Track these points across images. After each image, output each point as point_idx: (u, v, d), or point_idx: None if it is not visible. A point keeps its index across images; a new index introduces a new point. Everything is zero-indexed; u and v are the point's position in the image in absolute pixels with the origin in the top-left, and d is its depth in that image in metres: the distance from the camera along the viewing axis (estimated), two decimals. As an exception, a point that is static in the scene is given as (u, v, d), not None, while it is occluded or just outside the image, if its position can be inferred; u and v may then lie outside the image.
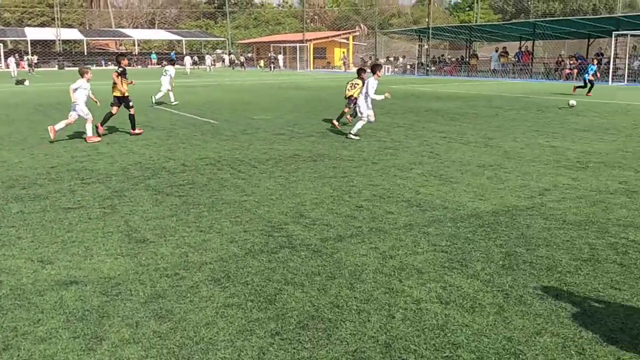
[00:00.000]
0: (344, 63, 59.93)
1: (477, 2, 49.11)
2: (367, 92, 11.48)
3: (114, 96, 12.09)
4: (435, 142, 11.07)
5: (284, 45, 62.05)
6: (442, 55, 52.01)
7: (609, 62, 33.50)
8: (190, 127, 13.60)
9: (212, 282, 4.40)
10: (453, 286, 4.29)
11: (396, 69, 49.54)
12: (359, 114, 11.86)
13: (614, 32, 32.11)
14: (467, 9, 72.82)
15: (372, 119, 11.78)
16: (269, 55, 57.64)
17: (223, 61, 70.31)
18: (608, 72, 32.07)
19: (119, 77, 11.91)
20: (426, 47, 46.76)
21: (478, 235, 5.47)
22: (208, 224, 5.89)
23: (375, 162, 9.17)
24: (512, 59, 42.50)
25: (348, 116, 13.79)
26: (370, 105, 11.62)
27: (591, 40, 43.25)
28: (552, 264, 4.74)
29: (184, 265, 4.76)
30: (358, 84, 13.31)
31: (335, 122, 13.38)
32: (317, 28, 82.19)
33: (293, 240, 5.36)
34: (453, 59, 49.14)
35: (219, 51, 78.57)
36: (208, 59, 60.36)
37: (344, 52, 63.84)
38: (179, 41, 78.57)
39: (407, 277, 4.46)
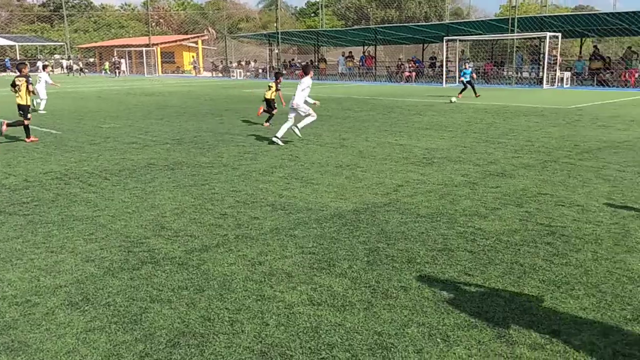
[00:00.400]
0: (194, 67, 58.69)
1: (321, 8, 50.71)
2: (303, 90, 11.39)
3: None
4: (293, 145, 11.23)
5: (129, 49, 59.26)
6: (292, 59, 53.03)
7: (441, 65, 36.42)
8: (28, 139, 12.42)
9: (69, 306, 4.05)
10: (323, 287, 4.36)
11: (248, 73, 49.60)
12: (301, 113, 11.38)
13: (444, 38, 34.99)
14: (313, 14, 75.03)
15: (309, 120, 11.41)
16: (113, 60, 54.65)
17: (61, 67, 65.26)
18: (442, 75, 34.83)
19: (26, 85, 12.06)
20: (276, 51, 47.37)
21: (342, 234, 5.62)
22: (59, 243, 5.41)
23: (236, 167, 9.07)
24: (357, 62, 44.53)
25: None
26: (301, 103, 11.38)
27: (425, 45, 46.72)
28: (411, 256, 5.01)
29: (36, 290, 4.33)
30: (272, 87, 14.54)
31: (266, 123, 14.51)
32: (163, 32, 79.62)
33: (155, 254, 5.11)
34: (303, 63, 50.32)
35: (57, 56, 72.93)
36: (40, 64, 55.26)
37: (193, 57, 62.53)
38: (11, 46, 71.57)
39: (278, 282, 4.45)
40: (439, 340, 3.54)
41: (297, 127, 11.33)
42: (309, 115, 11.36)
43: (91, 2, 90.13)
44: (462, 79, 23.37)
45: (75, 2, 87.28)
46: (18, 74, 12.37)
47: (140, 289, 4.35)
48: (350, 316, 3.87)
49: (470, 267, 4.74)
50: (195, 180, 8.15)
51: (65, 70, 59.89)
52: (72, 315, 3.92)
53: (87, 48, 72.51)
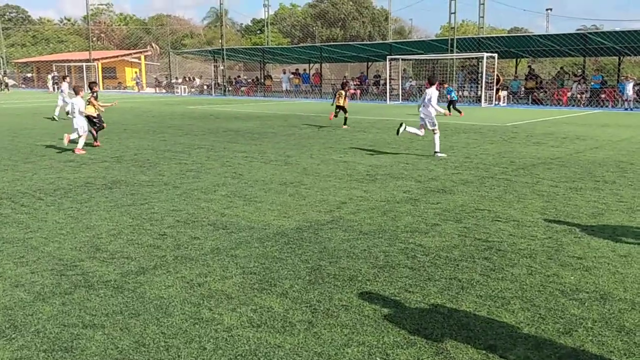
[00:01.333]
0: (137, 83, 57.57)
1: (267, 26, 50.88)
2: (429, 101, 12.00)
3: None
4: (237, 162, 11.13)
5: (68, 64, 57.62)
6: (238, 76, 52.85)
7: (385, 84, 37.12)
8: (-44, 157, 11.84)
9: (-7, 336, 3.83)
10: (264, 308, 4.30)
11: (193, 89, 49.05)
12: (429, 127, 12.15)
13: (387, 57, 35.74)
14: (258, 31, 75.18)
15: (422, 132, 12.46)
16: (53, 74, 52.84)
17: None
18: (385, 92, 35.50)
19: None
20: (221, 67, 47.11)
21: (284, 253, 5.58)
22: (-15, 268, 5.13)
23: (177, 186, 8.89)
24: (300, 80, 44.80)
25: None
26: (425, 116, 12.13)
27: (370, 63, 47.57)
28: (353, 274, 5.02)
29: (-45, 321, 4.07)
30: (341, 94, 18.38)
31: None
32: (105, 47, 77.91)
33: (89, 277, 4.92)
34: (249, 80, 50.22)
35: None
36: None
37: (136, 72, 61.40)
38: (-61, 60, 68.17)
39: (217, 304, 4.35)
40: (378, 359, 3.54)
41: (407, 127, 12.34)
42: (434, 127, 12.14)
43: (29, 16, 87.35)
44: (449, 96, 23.85)
45: (11, 15, 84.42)
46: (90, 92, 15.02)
47: (72, 314, 4.17)
48: (290, 337, 3.82)
49: (411, 283, 4.79)
50: (134, 199, 7.93)
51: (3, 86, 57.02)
52: (-3, 344, 3.71)
53: (24, 63, 70.03)
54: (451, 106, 23.39)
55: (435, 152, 12.04)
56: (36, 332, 3.88)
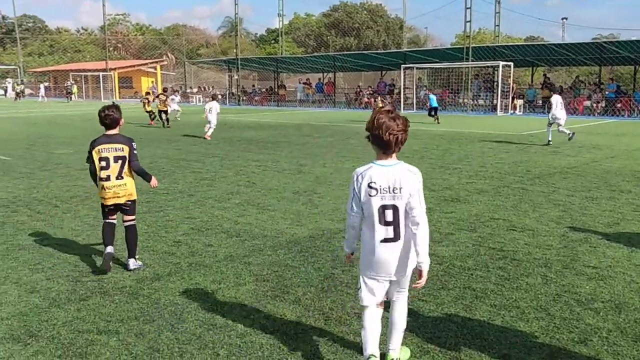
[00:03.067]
0: (152, 93, 58.03)
1: (281, 36, 51.18)
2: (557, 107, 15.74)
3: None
4: (251, 171, 11.18)
5: (85, 73, 58.34)
6: (253, 86, 53.15)
7: (400, 92, 37.11)
8: (-25, 165, 12.03)
9: (10, 340, 3.88)
10: (277, 315, 4.30)
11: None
12: (560, 125, 15.70)
13: (402, 65, 35.73)
14: (273, 41, 75.63)
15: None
16: (67, 84, 53.45)
17: (5, 91, 62.77)
18: (400, 101, 35.48)
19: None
20: (236, 77, 47.42)
21: (297, 260, 5.59)
22: (3, 274, 5.20)
23: (192, 194, 8.95)
24: (314, 90, 44.90)
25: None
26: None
27: (384, 72, 47.58)
28: (366, 282, 5.00)
29: (-27, 325, 4.13)
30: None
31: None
32: (122, 57, 78.80)
33: (105, 284, 4.96)
34: (263, 89, 50.46)
35: (10, 80, 71.03)
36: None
37: (152, 82, 61.98)
38: (-41, 70, 69.48)
39: (231, 311, 4.37)
40: (391, 367, 3.52)
41: (565, 130, 15.89)
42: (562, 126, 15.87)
43: (46, 26, 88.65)
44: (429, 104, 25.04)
45: (29, 25, 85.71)
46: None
47: (87, 320, 4.21)
48: (303, 344, 3.82)
49: (424, 292, 4.77)
50: (149, 207, 7.99)
51: (15, 95, 57.61)
52: (13, 349, 3.75)
53: (41, 72, 71.06)
54: (432, 112, 24.48)
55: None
56: (51, 338, 3.92)
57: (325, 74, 48.18)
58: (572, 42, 32.83)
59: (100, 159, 5.26)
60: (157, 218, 7.35)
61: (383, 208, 3.24)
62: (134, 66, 63.32)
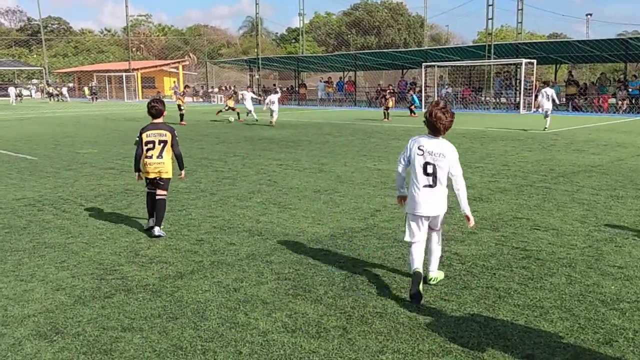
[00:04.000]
0: (175, 92, 58.60)
1: (302, 35, 51.24)
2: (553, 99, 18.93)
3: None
4: (272, 170, 11.22)
5: (108, 74, 59.12)
6: (274, 85, 53.28)
7: (421, 91, 36.89)
8: (3, 165, 12.27)
9: (37, 336, 3.95)
10: (298, 313, 4.31)
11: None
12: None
13: (423, 64, 35.51)
14: (293, 40, 75.76)
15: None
16: (91, 85, 54.16)
17: (42, 92, 63.88)
18: (421, 99, 35.26)
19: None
20: (257, 76, 47.60)
21: (319, 259, 5.60)
22: (29, 271, 5.30)
23: (214, 192, 9.02)
24: (335, 88, 44.86)
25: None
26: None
27: (405, 70, 47.33)
28: (387, 281, 5.00)
29: (3, 320, 4.22)
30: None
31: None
32: (144, 57, 79.65)
33: (129, 282, 5.03)
34: (284, 89, 50.59)
35: (35, 81, 72.29)
36: (12, 92, 52.37)
37: (174, 82, 62.54)
38: (-12, 71, 70.80)
39: (253, 309, 4.39)
40: (413, 366, 3.52)
41: (547, 121, 18.77)
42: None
43: (70, 27, 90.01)
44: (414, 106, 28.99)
45: (54, 26, 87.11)
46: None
47: (112, 317, 4.27)
48: (324, 343, 3.83)
49: (446, 291, 4.74)
50: (172, 205, 8.07)
51: (47, 95, 58.59)
52: (40, 345, 3.82)
53: (65, 73, 72.19)
54: (411, 107, 28.51)
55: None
56: (76, 335, 3.99)
57: (345, 72, 48.11)
58: (597, 39, 32.26)
59: (147, 142, 6.54)
60: (180, 217, 7.42)
61: (426, 164, 4.61)
62: (156, 66, 63.98)
